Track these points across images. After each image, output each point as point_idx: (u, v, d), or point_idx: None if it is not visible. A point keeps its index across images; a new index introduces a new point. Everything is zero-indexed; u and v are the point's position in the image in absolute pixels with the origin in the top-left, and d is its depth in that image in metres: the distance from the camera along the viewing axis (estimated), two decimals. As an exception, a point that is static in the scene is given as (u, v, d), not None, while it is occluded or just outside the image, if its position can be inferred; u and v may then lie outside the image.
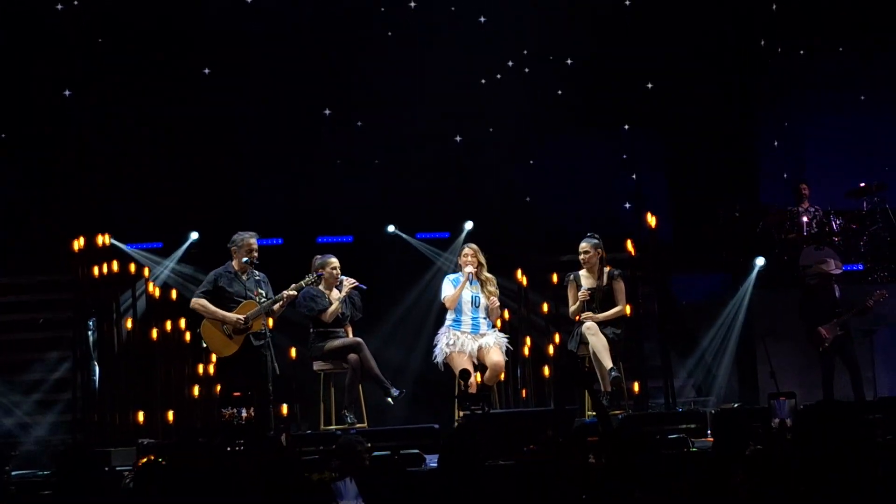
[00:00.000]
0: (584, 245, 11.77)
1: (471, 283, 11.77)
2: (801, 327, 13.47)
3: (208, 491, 6.06)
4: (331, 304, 11.74)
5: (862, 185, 15.39)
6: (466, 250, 11.87)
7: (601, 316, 11.60)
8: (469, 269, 11.70)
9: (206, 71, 16.01)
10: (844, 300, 12.88)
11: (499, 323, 12.10)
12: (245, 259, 11.42)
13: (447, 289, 11.85)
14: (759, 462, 5.47)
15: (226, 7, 15.84)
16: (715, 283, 15.56)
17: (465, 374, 10.38)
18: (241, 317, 11.22)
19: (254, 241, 11.49)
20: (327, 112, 16.35)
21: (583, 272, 11.81)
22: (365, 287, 11.90)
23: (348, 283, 11.76)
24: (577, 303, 11.73)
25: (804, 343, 13.32)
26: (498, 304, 11.82)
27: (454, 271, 12.17)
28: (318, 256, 11.97)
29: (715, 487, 5.60)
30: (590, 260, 11.73)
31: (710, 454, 7.27)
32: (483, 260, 11.82)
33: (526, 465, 7.77)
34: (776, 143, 17.37)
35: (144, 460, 8.53)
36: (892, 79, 17.13)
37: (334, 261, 11.90)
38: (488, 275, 11.85)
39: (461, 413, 11.25)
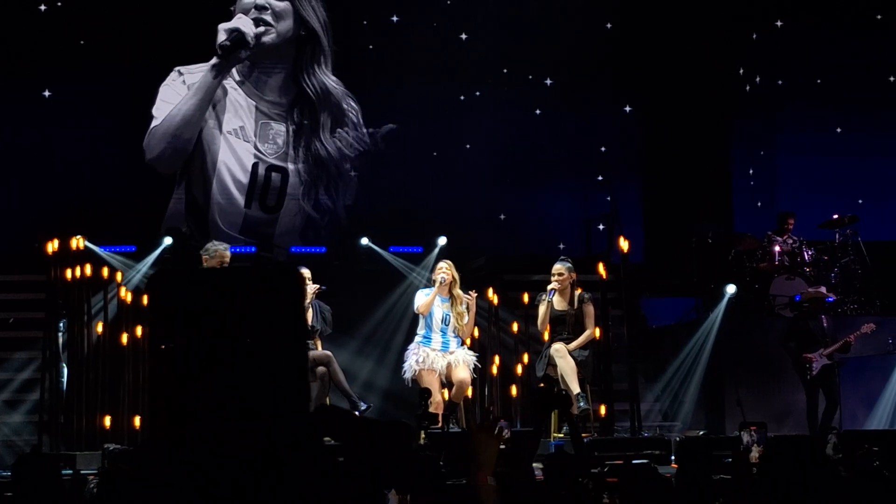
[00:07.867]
0: (558, 267, 11.82)
1: (442, 301, 11.81)
2: (770, 356, 13.52)
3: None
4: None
5: (835, 216, 15.46)
6: (442, 264, 11.96)
7: (573, 345, 11.69)
8: (443, 275, 11.74)
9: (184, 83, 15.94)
10: (832, 329, 13.02)
11: (468, 341, 12.12)
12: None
13: (420, 298, 11.90)
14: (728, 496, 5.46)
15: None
16: (685, 308, 15.61)
17: (426, 392, 10.44)
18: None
19: (227, 253, 11.50)
20: (305, 122, 16.33)
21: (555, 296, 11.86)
22: (325, 288, 11.93)
23: (311, 289, 11.77)
24: (546, 307, 11.76)
25: (772, 373, 13.37)
26: (472, 299, 11.84)
27: (427, 286, 12.21)
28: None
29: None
30: (563, 282, 11.78)
31: (673, 484, 7.26)
32: (457, 277, 11.87)
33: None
34: (751, 172, 17.48)
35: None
36: (866, 112, 17.26)
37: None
38: (460, 292, 11.88)
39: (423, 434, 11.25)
